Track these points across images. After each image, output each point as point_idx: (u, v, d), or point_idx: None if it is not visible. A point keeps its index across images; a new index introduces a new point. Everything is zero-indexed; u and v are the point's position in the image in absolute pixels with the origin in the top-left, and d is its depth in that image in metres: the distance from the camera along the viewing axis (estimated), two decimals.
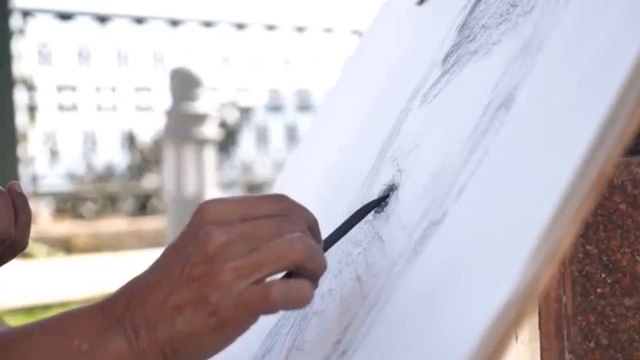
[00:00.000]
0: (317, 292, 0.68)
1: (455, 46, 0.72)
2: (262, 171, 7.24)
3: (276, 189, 1.05)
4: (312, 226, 0.58)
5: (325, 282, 0.68)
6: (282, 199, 0.58)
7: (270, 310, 0.55)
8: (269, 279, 0.55)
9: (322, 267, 0.56)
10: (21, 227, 0.78)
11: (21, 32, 6.16)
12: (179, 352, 0.55)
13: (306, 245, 0.55)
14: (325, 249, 0.62)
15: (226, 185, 6.81)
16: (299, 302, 0.55)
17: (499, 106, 0.56)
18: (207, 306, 0.54)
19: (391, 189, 0.67)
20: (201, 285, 0.54)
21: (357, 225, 0.68)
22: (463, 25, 0.73)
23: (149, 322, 0.55)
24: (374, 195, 0.69)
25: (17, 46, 6.08)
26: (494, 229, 0.49)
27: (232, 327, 0.55)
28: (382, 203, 0.67)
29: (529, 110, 0.52)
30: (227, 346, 0.56)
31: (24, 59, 6.19)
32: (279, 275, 0.56)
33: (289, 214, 0.57)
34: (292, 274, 0.56)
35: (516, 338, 0.75)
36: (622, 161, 0.71)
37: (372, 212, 0.67)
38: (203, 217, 0.56)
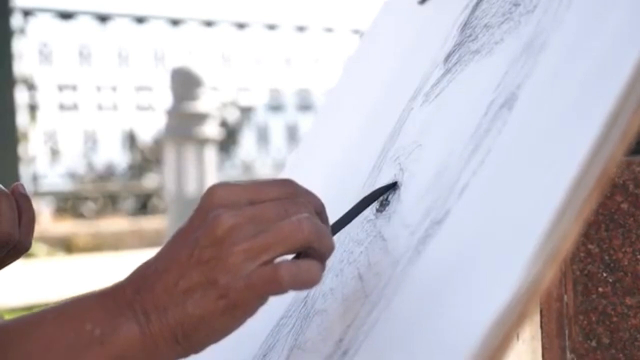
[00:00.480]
0: (319, 291, 0.68)
1: (457, 45, 0.72)
2: (262, 171, 7.24)
3: None
4: (319, 210, 0.59)
5: (327, 281, 0.68)
6: (289, 183, 0.58)
7: (279, 291, 0.55)
8: (278, 260, 0.55)
9: (330, 248, 0.57)
10: (25, 228, 0.78)
11: (22, 31, 6.16)
12: (190, 335, 0.56)
13: (313, 225, 0.55)
14: (333, 234, 0.62)
15: None
16: (308, 282, 0.55)
17: (501, 105, 0.56)
18: (216, 289, 0.54)
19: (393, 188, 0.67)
20: (210, 267, 0.55)
21: (359, 225, 0.68)
22: (465, 25, 0.73)
23: (160, 306, 0.55)
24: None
25: (18, 45, 6.08)
26: (497, 228, 0.49)
27: (242, 309, 0.55)
28: (384, 202, 0.67)
29: (531, 110, 0.52)
30: (237, 328, 0.56)
31: (25, 58, 6.19)
32: (289, 257, 0.56)
33: (296, 197, 0.57)
34: (300, 255, 0.56)
35: (517, 337, 0.75)
36: (624, 160, 0.71)
37: (374, 211, 0.67)
38: (211, 200, 0.57)
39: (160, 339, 0.56)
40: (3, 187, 0.78)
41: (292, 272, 0.54)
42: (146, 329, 0.56)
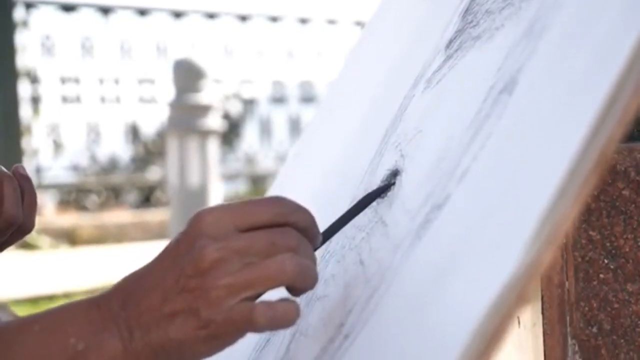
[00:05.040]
0: (321, 278, 0.69)
1: (459, 32, 0.72)
2: (265, 163, 7.24)
3: (279, 181, 1.06)
4: (307, 226, 0.59)
5: (329, 267, 0.69)
6: (276, 203, 0.58)
7: (255, 331, 0.57)
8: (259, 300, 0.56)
9: (312, 284, 0.58)
10: (27, 209, 0.80)
11: (24, 24, 6.16)
12: (171, 356, 0.57)
13: (297, 266, 0.56)
14: (326, 239, 0.62)
15: (229, 178, 6.81)
16: (283, 324, 0.57)
17: (501, 90, 0.56)
18: (198, 319, 0.56)
19: (394, 174, 0.67)
20: (194, 297, 0.56)
21: None
22: (466, 11, 0.73)
23: (143, 325, 0.57)
24: (378, 181, 0.69)
25: (21, 38, 6.08)
26: (497, 211, 0.49)
27: (222, 340, 0.56)
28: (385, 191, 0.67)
29: (531, 94, 0.53)
30: (217, 353, 0.58)
31: (28, 51, 6.19)
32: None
33: (284, 221, 0.58)
34: None
35: (519, 323, 0.75)
36: (625, 147, 0.72)
37: None
38: (199, 227, 0.57)
39: (142, 356, 0.57)
40: (5, 170, 0.79)
41: (267, 315, 0.56)
42: (129, 346, 0.57)
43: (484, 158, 0.53)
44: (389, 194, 0.66)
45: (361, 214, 0.68)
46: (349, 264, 0.65)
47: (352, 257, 0.66)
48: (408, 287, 0.54)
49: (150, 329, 0.56)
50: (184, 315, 0.56)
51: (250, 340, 0.73)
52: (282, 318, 0.56)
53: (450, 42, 0.72)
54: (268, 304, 0.56)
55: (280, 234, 0.57)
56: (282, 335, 0.69)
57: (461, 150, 0.57)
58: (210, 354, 0.58)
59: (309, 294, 0.69)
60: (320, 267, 0.60)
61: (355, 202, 0.68)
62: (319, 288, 0.68)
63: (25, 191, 0.80)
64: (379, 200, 0.67)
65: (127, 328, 0.57)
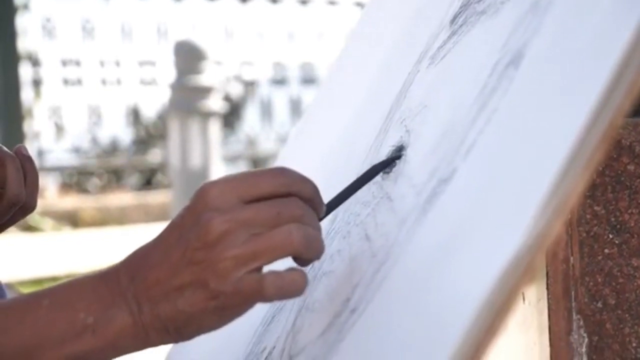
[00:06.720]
0: (326, 254, 0.69)
1: (464, 7, 0.71)
2: (266, 145, 7.23)
3: (280, 162, 1.05)
4: (311, 196, 0.59)
5: (335, 243, 0.69)
6: (280, 173, 0.58)
7: (264, 301, 0.57)
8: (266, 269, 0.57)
9: (319, 254, 0.58)
10: (30, 188, 0.81)
11: (25, 7, 6.14)
12: (181, 329, 0.58)
13: (304, 236, 0.56)
14: (329, 211, 0.62)
15: (231, 159, 6.81)
16: (292, 294, 0.57)
17: (507, 64, 0.56)
18: (207, 290, 0.56)
19: (399, 150, 0.67)
20: (202, 269, 0.56)
21: (366, 187, 0.68)
22: None
23: (152, 299, 0.57)
24: (383, 157, 0.69)
25: (22, 21, 6.06)
26: (503, 184, 0.49)
27: (231, 310, 0.57)
28: (391, 164, 0.67)
29: (538, 67, 0.53)
30: (226, 324, 0.58)
31: (29, 34, 6.17)
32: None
33: (288, 191, 0.58)
34: None
35: (524, 299, 0.75)
36: (631, 122, 0.72)
37: (381, 173, 0.68)
38: (204, 200, 0.57)
39: (151, 329, 0.58)
40: (8, 150, 0.80)
41: (276, 284, 0.56)
42: (138, 320, 0.57)
43: (490, 132, 0.53)
44: (394, 169, 0.66)
45: (366, 191, 0.68)
46: (355, 239, 0.65)
47: (358, 232, 0.66)
48: (414, 262, 0.55)
49: (158, 302, 0.57)
50: (193, 288, 0.56)
51: (256, 316, 0.73)
52: (290, 287, 0.56)
53: (455, 17, 0.72)
54: (276, 273, 0.56)
55: (285, 204, 0.57)
56: (289, 311, 0.69)
57: (467, 124, 0.57)
58: (218, 326, 0.58)
59: (315, 269, 0.70)
60: (326, 244, 0.61)
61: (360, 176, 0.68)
62: (325, 263, 0.68)
63: (27, 171, 0.81)
64: (384, 176, 0.67)
65: (136, 302, 0.57)
